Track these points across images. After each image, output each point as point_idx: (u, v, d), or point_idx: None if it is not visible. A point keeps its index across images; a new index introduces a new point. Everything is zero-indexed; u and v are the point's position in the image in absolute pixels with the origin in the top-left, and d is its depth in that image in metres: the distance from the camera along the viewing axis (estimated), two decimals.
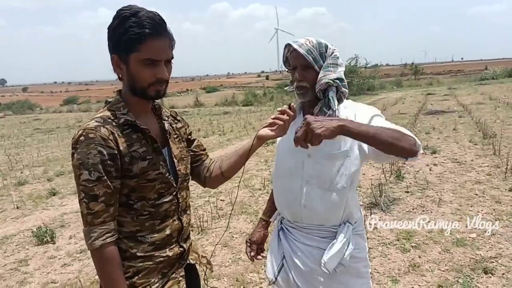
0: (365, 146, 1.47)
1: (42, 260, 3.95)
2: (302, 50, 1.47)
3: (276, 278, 1.64)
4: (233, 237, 4.14)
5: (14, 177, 7.92)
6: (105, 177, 1.18)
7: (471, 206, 4.42)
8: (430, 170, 6.02)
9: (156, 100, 1.40)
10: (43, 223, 4.95)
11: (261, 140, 1.43)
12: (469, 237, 3.66)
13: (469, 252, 3.39)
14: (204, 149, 1.61)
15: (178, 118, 1.53)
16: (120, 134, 1.23)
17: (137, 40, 1.18)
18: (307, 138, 1.21)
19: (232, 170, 1.51)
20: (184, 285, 1.39)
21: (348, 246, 1.50)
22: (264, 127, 1.44)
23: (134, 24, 1.18)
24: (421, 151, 1.33)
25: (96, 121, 1.22)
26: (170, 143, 1.40)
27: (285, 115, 1.40)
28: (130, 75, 1.25)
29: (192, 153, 1.54)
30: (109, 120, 1.24)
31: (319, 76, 1.47)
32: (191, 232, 1.55)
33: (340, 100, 1.51)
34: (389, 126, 1.36)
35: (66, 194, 6.43)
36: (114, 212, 1.22)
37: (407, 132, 1.34)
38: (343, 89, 1.50)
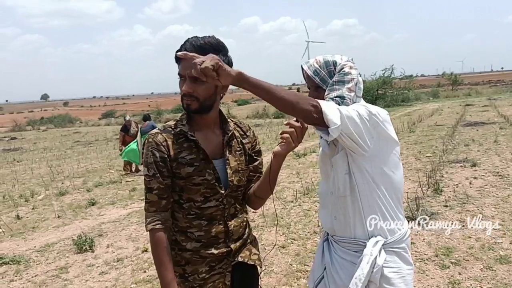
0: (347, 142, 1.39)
1: (81, 268, 4.09)
2: (310, 71, 1.52)
3: None
4: (265, 249, 4.12)
5: (56, 187, 8.30)
6: (158, 175, 1.41)
7: None
8: (470, 183, 5.78)
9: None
10: (82, 232, 5.14)
11: (277, 157, 1.50)
12: None
13: None
14: (260, 172, 1.66)
15: (248, 133, 1.63)
16: (174, 141, 1.45)
17: (175, 59, 1.42)
18: (205, 64, 1.18)
19: (261, 190, 1.60)
20: (229, 279, 1.51)
21: (376, 263, 1.41)
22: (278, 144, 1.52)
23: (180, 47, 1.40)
24: (333, 126, 1.27)
25: (159, 129, 1.49)
26: (228, 155, 1.51)
27: (291, 127, 1.44)
28: None
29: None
30: (169, 129, 1.48)
31: (324, 95, 1.49)
32: (249, 232, 1.65)
33: None
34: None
35: (104, 204, 6.66)
36: (166, 205, 1.44)
37: (323, 104, 1.30)
38: (343, 106, 1.47)
